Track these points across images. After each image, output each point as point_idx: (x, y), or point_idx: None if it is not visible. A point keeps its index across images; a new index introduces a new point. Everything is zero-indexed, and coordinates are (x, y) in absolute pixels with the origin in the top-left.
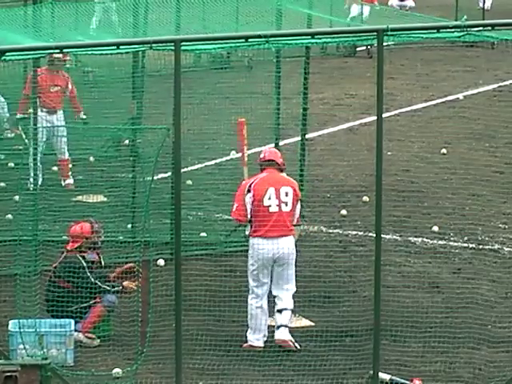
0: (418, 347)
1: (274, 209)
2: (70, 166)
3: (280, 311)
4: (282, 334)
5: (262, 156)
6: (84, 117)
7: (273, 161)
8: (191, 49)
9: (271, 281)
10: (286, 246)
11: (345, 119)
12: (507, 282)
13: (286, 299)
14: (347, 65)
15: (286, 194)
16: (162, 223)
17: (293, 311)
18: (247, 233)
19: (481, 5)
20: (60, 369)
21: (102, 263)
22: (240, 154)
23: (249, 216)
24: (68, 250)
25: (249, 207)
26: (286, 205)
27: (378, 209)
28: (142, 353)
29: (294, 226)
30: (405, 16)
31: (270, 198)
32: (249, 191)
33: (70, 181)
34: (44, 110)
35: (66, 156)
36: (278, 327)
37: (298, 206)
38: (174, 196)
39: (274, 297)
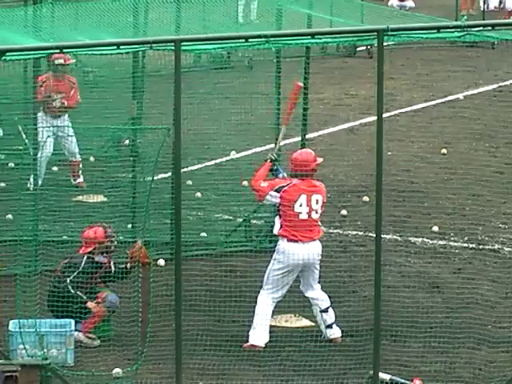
0: (418, 347)
1: (303, 216)
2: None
3: (325, 311)
4: (337, 332)
5: (294, 160)
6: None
7: (304, 168)
8: (191, 49)
9: (303, 283)
10: (315, 249)
11: (345, 119)
12: (507, 282)
13: (323, 297)
14: (347, 65)
15: (317, 202)
16: (162, 223)
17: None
18: (275, 232)
19: (481, 4)
20: (60, 369)
21: (112, 268)
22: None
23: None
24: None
25: (274, 200)
26: (316, 212)
27: (378, 209)
28: (142, 353)
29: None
30: (405, 16)
31: (301, 205)
32: (277, 191)
33: (81, 179)
34: (48, 114)
35: (77, 158)
36: (330, 326)
37: None
38: (174, 196)
39: (306, 297)
